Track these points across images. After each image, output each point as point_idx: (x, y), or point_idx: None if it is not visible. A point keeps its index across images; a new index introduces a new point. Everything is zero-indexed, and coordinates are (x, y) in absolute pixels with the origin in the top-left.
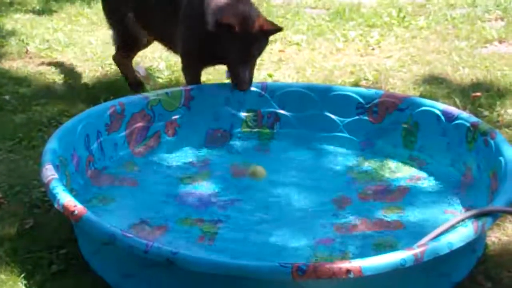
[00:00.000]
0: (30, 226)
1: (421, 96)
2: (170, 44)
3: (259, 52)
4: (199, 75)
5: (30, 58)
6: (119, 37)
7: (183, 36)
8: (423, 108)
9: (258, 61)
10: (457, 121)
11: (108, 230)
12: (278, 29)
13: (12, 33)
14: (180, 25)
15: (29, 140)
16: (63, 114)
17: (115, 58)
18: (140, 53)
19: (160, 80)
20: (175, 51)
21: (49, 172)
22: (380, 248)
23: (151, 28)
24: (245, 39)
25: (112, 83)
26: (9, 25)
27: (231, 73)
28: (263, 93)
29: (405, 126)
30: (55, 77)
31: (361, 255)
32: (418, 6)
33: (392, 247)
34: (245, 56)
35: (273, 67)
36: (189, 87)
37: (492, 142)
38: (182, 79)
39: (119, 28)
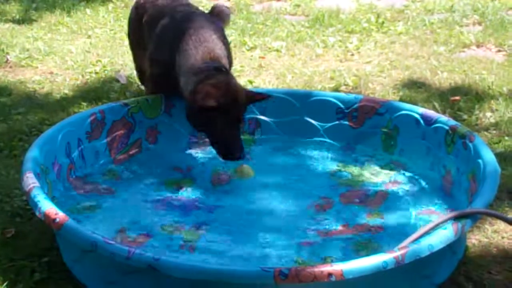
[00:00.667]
0: (11, 235)
1: (401, 100)
2: None
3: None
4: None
5: (10, 67)
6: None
7: (149, 53)
8: (402, 112)
9: (238, 67)
10: (436, 125)
11: (89, 237)
12: (267, 97)
13: None
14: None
15: (10, 149)
16: (44, 123)
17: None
18: (120, 61)
19: (142, 88)
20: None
21: (30, 180)
22: (361, 251)
23: None
24: (232, 114)
25: (93, 91)
26: None
27: (220, 146)
28: None
29: (384, 130)
30: (35, 86)
31: (343, 258)
32: (397, 11)
33: (373, 250)
34: (233, 128)
35: (254, 73)
36: None
37: (470, 145)
38: None
39: None
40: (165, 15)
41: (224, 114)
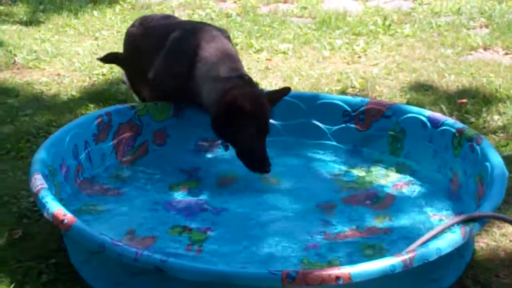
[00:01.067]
0: (19, 236)
1: (408, 103)
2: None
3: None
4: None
5: (18, 69)
6: None
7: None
8: (409, 114)
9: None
10: (443, 127)
11: (97, 238)
12: (285, 93)
13: (0, 44)
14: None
15: (17, 151)
16: (51, 124)
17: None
18: None
19: None
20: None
21: (38, 182)
22: (369, 254)
23: None
24: (259, 123)
25: (100, 93)
26: None
27: (247, 157)
28: None
29: (391, 133)
30: (42, 87)
31: (350, 261)
32: (403, 14)
33: (381, 253)
34: (260, 138)
35: (260, 75)
36: None
37: (478, 147)
38: None
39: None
40: (169, 31)
41: (252, 123)
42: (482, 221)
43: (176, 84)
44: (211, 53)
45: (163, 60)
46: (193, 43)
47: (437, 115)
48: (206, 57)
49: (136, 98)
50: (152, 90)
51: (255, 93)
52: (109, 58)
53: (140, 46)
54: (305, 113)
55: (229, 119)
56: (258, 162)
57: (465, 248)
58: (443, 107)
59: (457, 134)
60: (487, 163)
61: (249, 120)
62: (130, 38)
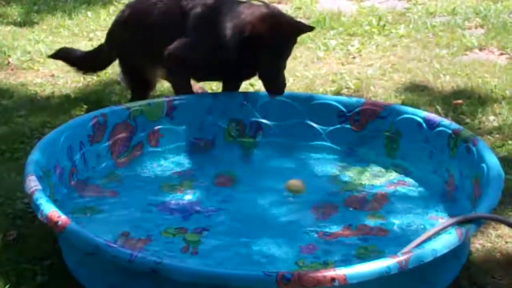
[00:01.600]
0: (13, 237)
1: (403, 104)
2: None
3: (290, 53)
4: (189, 84)
5: (12, 69)
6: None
7: (184, 43)
8: (405, 115)
9: None
10: (438, 128)
11: (92, 240)
12: (310, 28)
13: None
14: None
15: (11, 152)
16: (46, 126)
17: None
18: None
19: None
20: None
21: (33, 183)
22: (364, 255)
23: None
24: (277, 45)
25: (94, 94)
26: None
27: (264, 80)
28: (245, 102)
29: (387, 134)
30: (37, 88)
31: (345, 262)
32: (398, 14)
33: (377, 255)
34: (278, 61)
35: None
36: (171, 97)
37: (474, 149)
38: (164, 89)
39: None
40: (188, 9)
41: (270, 45)
42: (478, 222)
43: (208, 57)
44: (241, 10)
45: (194, 36)
46: (222, 11)
47: (433, 116)
48: (235, 16)
49: (129, 96)
50: (178, 67)
51: (272, 15)
52: (60, 54)
53: (148, 26)
54: (300, 113)
55: (248, 41)
56: (268, 85)
57: (461, 250)
58: (439, 107)
59: (453, 135)
60: (483, 164)
61: (266, 41)
62: (130, 21)
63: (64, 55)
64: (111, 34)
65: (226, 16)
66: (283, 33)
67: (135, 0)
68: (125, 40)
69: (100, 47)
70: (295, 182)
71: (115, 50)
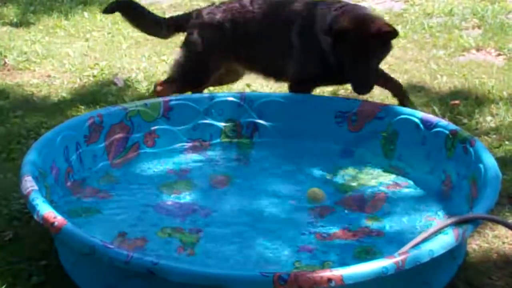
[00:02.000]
0: (9, 238)
1: (400, 104)
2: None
3: (380, 55)
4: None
5: (8, 70)
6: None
7: (299, 62)
8: (402, 116)
9: None
10: (436, 129)
11: (88, 241)
12: (394, 32)
13: None
14: (296, 56)
15: (8, 152)
16: (42, 126)
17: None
18: (118, 64)
19: (139, 91)
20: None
21: (29, 184)
22: (361, 256)
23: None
24: (361, 42)
25: (90, 94)
26: None
27: (351, 77)
28: (241, 103)
29: (384, 134)
30: (33, 89)
31: (342, 263)
32: (395, 15)
33: (373, 255)
34: (363, 59)
35: (252, 76)
36: (167, 98)
37: (471, 149)
38: None
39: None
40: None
41: (354, 43)
42: (475, 223)
43: (324, 68)
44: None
45: (305, 55)
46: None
47: (430, 117)
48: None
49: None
50: (302, 87)
51: (357, 16)
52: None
53: (248, 32)
54: (297, 114)
55: (336, 40)
56: (355, 84)
57: (457, 250)
58: (436, 108)
59: (450, 136)
60: (481, 165)
61: (351, 40)
62: (227, 24)
63: (125, 8)
64: (192, 35)
65: (318, 23)
66: (363, 30)
67: (230, 6)
68: (214, 40)
69: (161, 22)
70: (316, 191)
71: (195, 48)
